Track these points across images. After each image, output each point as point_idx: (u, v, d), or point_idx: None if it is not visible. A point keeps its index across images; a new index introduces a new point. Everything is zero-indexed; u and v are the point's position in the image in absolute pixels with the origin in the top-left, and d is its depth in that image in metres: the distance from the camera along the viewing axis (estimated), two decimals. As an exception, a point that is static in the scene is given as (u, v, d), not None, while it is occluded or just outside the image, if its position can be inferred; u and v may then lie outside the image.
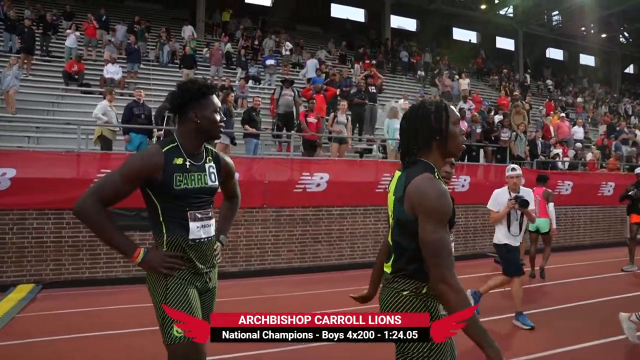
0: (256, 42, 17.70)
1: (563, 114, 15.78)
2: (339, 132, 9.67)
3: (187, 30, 16.54)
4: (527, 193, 5.12)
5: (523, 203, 4.93)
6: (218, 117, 2.27)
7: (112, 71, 12.39)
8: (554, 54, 30.98)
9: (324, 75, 14.51)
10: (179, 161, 2.19)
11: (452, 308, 1.66)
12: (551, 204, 7.57)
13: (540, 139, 11.65)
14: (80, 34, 13.84)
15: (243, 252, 8.19)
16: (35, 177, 7.02)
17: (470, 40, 28.90)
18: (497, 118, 13.58)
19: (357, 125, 11.69)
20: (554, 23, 26.77)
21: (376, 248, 9.20)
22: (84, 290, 6.96)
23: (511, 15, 25.62)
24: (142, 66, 14.33)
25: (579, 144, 13.37)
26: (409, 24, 27.45)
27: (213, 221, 2.33)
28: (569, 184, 11.45)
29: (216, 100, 2.29)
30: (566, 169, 12.52)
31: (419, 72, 20.45)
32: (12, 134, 9.38)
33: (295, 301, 6.37)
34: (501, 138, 10.81)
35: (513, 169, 5.23)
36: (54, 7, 16.56)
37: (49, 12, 14.57)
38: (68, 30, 13.58)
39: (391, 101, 15.33)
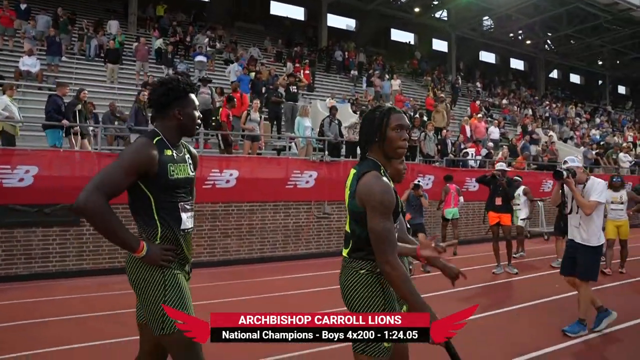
0: (188, 39, 17.61)
1: (480, 115, 16.72)
2: (252, 130, 9.93)
3: (113, 25, 16.23)
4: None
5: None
6: (197, 114, 2.41)
7: (29, 64, 12.07)
8: (487, 57, 32.47)
9: (252, 74, 14.71)
10: (169, 152, 2.28)
11: (394, 285, 1.99)
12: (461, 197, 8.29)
13: (450, 138, 12.31)
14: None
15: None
16: None
17: (409, 41, 29.82)
18: (417, 117, 14.29)
19: (275, 123, 12.00)
20: (485, 28, 28.07)
21: (286, 242, 9.58)
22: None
23: (445, 18, 26.66)
24: (65, 59, 14.02)
25: (491, 143, 14.26)
26: (348, 24, 28.00)
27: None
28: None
29: (196, 99, 2.41)
30: (477, 167, 13.34)
31: (352, 72, 20.99)
32: None
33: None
34: (411, 137, 11.40)
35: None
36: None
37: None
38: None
39: (326, 100, 15.80)
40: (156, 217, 2.24)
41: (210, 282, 7.28)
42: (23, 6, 14.95)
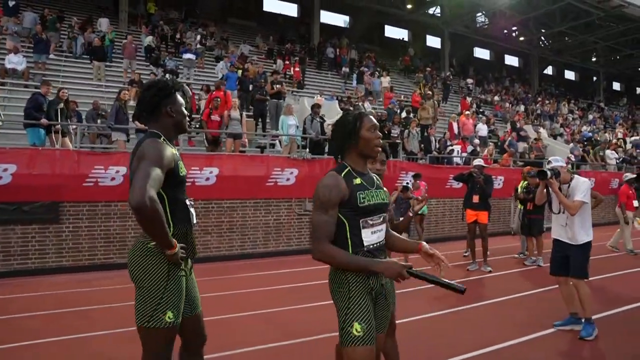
0: (178, 36, 17.65)
1: (469, 112, 16.78)
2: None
3: (104, 23, 16.28)
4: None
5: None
6: (185, 112, 2.53)
7: (15, 61, 12.14)
8: (482, 53, 32.49)
9: (239, 70, 14.77)
10: (173, 150, 2.38)
11: (334, 265, 2.20)
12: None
13: (436, 135, 12.36)
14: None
15: (131, 243, 8.39)
16: None
17: (402, 38, 29.84)
18: (403, 115, 14.37)
19: (260, 121, 12.07)
20: (479, 24, 28.06)
21: (267, 239, 9.67)
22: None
23: (439, 15, 26.65)
24: (53, 57, 14.08)
25: (477, 140, 14.31)
26: (341, 21, 28.01)
27: None
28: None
29: (181, 98, 2.51)
30: (462, 164, 13.40)
31: (343, 69, 21.03)
32: None
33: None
34: (391, 134, 11.47)
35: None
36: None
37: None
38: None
39: (314, 97, 15.84)
40: (169, 215, 2.31)
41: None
42: (11, 3, 15.00)
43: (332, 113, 12.88)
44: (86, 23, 16.08)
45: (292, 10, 26.82)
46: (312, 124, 10.53)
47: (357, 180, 2.25)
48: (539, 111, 23.31)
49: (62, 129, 8.51)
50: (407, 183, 8.43)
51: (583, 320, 4.77)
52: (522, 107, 23.83)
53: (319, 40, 23.14)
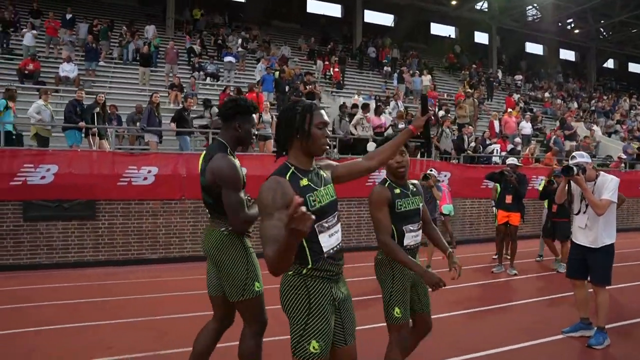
0: (220, 39, 18.22)
1: (512, 110, 16.19)
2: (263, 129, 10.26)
3: (150, 30, 17.09)
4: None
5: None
6: (254, 132, 2.96)
7: (68, 69, 13.02)
8: (533, 48, 31.16)
9: (277, 72, 15.04)
10: (237, 162, 2.81)
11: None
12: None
13: (475, 134, 12.03)
14: (39, 33, 14.45)
15: (162, 240, 8.84)
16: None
17: (449, 35, 29.18)
18: (441, 113, 14.10)
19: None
20: (530, 18, 26.95)
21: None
22: (10, 273, 7.66)
23: (486, 10, 25.86)
24: (103, 64, 14.98)
25: (518, 139, 13.80)
26: (385, 19, 27.79)
27: None
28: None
29: (255, 119, 3.00)
30: (501, 163, 12.97)
31: (385, 68, 20.87)
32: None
33: (180, 285, 6.99)
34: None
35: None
36: (23, 3, 17.25)
37: (7, 11, 15.13)
38: (24, 30, 14.20)
39: (352, 97, 15.89)
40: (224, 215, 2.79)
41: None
42: (68, 16, 16.12)
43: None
44: (134, 31, 16.92)
45: (335, 10, 26.93)
46: (340, 124, 10.59)
47: (304, 182, 2.09)
48: (593, 107, 22.03)
49: (98, 131, 9.06)
50: (430, 170, 8.32)
51: (595, 328, 4.55)
52: (575, 104, 22.65)
53: (362, 40, 23.07)
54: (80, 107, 8.90)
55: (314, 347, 2.03)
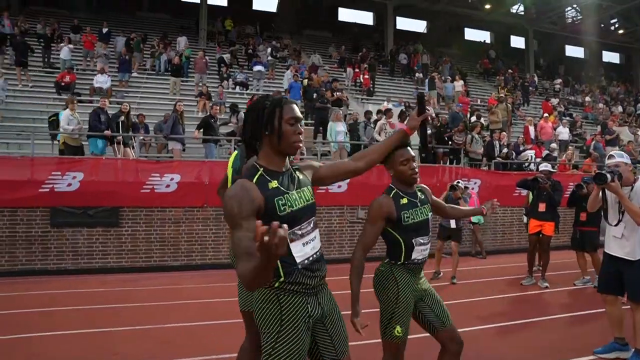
0: (250, 49, 18.41)
1: (549, 115, 15.54)
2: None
3: (182, 41, 17.46)
4: None
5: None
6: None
7: (101, 81, 13.42)
8: (573, 51, 30.01)
9: (304, 80, 15.00)
10: None
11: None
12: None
13: (497, 140, 11.57)
14: (76, 47, 15.00)
15: (184, 247, 8.86)
16: (-7, 179, 7.98)
17: (484, 40, 28.53)
18: (473, 119, 13.69)
19: (322, 129, 12.13)
20: (569, 20, 25.97)
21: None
22: (37, 278, 7.83)
23: (522, 13, 25.12)
24: (135, 75, 15.38)
25: (554, 145, 13.19)
26: (418, 26, 27.45)
27: None
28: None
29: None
30: (536, 170, 12.42)
31: (417, 74, 20.53)
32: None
33: (198, 292, 6.94)
34: (455, 140, 10.93)
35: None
36: (66, 19, 18.01)
37: (49, 28, 15.80)
38: (61, 44, 14.76)
39: (381, 103, 15.69)
40: None
41: (222, 282, 7.61)
42: (104, 30, 16.68)
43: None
44: (167, 43, 17.33)
45: (367, 18, 26.84)
46: (365, 130, 10.40)
47: (273, 184, 1.88)
48: (639, 111, 20.94)
49: (123, 139, 9.21)
50: (458, 182, 7.93)
51: (633, 350, 4.14)
52: (619, 108, 21.59)
53: (393, 46, 22.84)
54: (105, 115, 9.08)
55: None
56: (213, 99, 13.65)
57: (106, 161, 8.62)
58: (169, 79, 15.29)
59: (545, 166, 7.73)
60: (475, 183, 10.80)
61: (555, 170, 8.05)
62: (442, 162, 11.07)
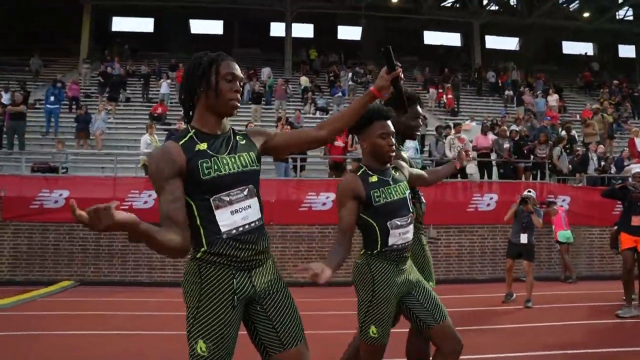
0: (332, 76, 18.77)
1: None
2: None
3: (265, 71, 18.34)
4: None
5: None
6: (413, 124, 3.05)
7: (184, 110, 14.46)
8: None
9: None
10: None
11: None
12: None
13: (594, 152, 10.39)
14: (172, 82, 16.40)
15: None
16: (82, 197, 8.81)
17: (585, 52, 26.27)
18: (563, 133, 12.57)
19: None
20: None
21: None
22: (115, 288, 8.42)
23: (630, 18, 22.82)
24: (220, 104, 16.35)
25: (661, 158, 11.55)
26: (509, 43, 26.11)
27: None
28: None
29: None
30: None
31: (507, 92, 19.41)
32: (92, 165, 11.64)
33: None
34: (537, 154, 10.00)
35: None
36: (167, 60, 19.85)
37: (149, 67, 17.50)
38: (161, 80, 16.22)
39: (464, 122, 15.05)
40: None
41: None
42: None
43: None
44: (252, 74, 18.29)
45: (454, 40, 26.14)
46: (436, 146, 9.95)
47: (201, 146, 1.75)
48: None
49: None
50: (529, 191, 7.14)
51: None
52: None
53: (480, 65, 21.93)
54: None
55: (201, 349, 1.69)
56: (291, 122, 14.01)
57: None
58: (249, 107, 16.05)
59: (638, 168, 6.66)
60: (564, 200, 9.74)
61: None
62: (523, 178, 10.15)
